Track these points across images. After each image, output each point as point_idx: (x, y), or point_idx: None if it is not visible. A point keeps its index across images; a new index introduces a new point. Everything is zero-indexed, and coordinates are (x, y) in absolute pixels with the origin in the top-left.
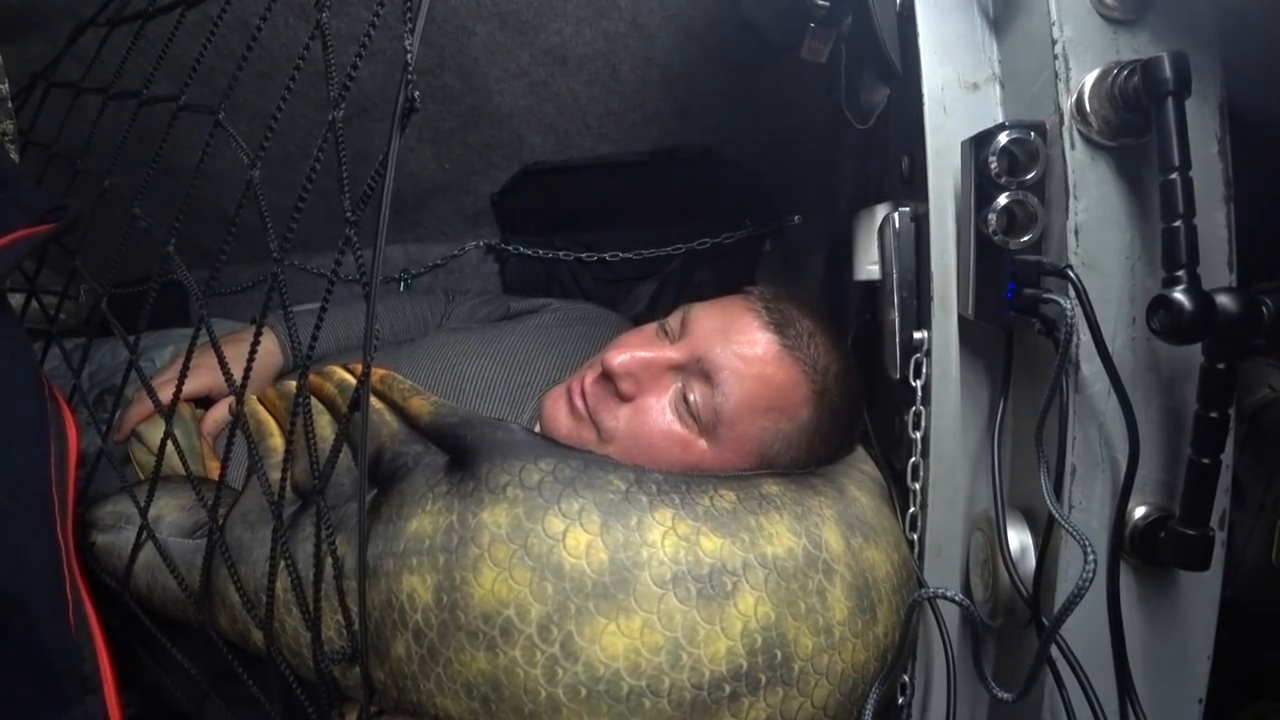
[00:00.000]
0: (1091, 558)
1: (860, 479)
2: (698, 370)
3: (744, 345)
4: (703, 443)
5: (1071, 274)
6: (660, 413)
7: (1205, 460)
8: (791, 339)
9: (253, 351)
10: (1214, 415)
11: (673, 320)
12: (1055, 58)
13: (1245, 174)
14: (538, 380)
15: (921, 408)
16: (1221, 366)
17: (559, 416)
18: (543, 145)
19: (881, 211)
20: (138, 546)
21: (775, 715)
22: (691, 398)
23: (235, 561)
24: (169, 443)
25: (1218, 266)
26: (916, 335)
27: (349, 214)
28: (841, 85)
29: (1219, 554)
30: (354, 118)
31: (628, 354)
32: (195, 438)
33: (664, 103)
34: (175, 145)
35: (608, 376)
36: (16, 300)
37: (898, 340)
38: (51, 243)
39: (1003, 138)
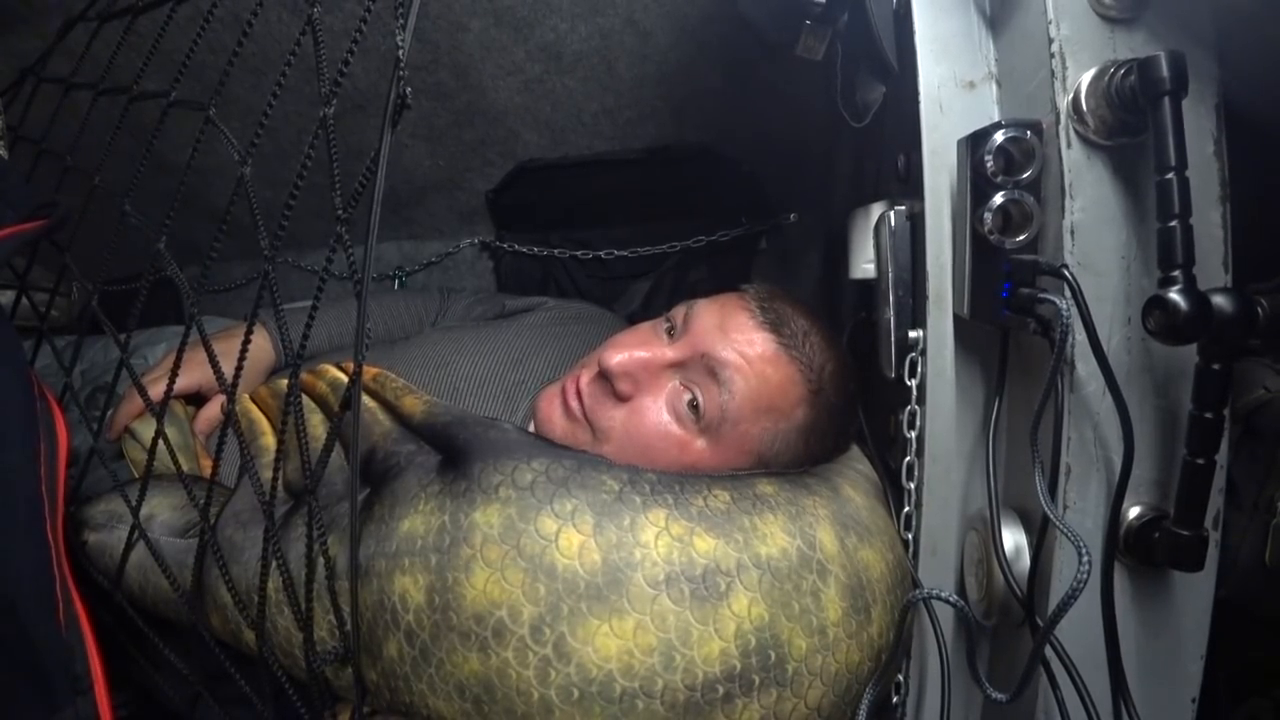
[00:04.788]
0: (1086, 558)
1: (855, 479)
2: (702, 368)
3: (743, 344)
4: (700, 442)
5: (1067, 273)
6: (657, 413)
7: (1200, 461)
8: (787, 338)
9: (243, 349)
10: (1209, 416)
11: (675, 315)
12: (1052, 56)
13: (1241, 174)
14: (532, 379)
15: (917, 407)
16: (1217, 367)
17: (554, 416)
18: (538, 142)
19: (877, 210)
20: (129, 546)
21: (769, 716)
22: (698, 396)
23: (227, 561)
24: (161, 440)
25: (1213, 267)
26: (912, 334)
27: (340, 211)
28: (837, 83)
29: (1213, 554)
30: (347, 114)
31: (625, 354)
32: (189, 435)
33: (659, 100)
34: (166, 141)
35: (604, 376)
36: (6, 297)
37: (893, 339)
38: (41, 240)
39: (999, 136)
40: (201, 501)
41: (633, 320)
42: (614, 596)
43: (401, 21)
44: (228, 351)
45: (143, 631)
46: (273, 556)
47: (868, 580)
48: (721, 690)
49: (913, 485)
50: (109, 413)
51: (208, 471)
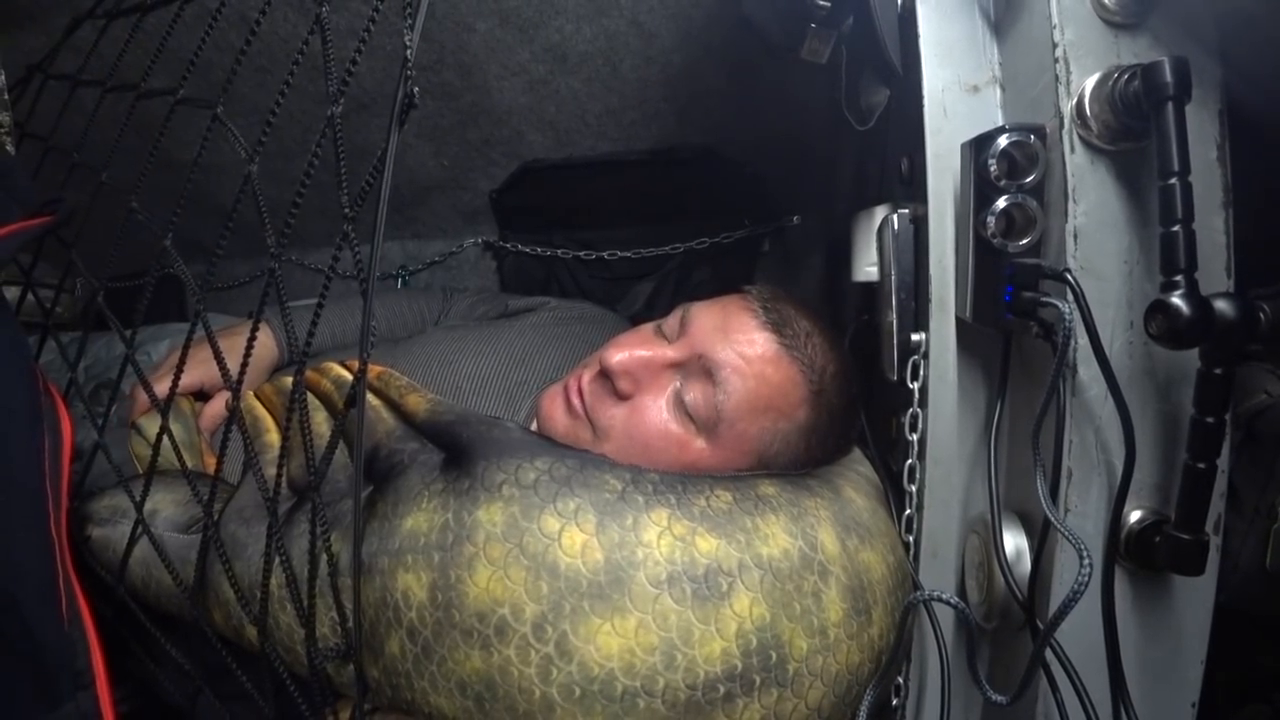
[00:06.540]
0: (1087, 562)
1: (856, 481)
2: (699, 368)
3: (743, 344)
4: (700, 442)
5: (1070, 278)
6: (658, 412)
7: (1201, 465)
8: (789, 339)
9: (249, 347)
10: (1210, 420)
11: (671, 319)
12: (1056, 61)
13: (1243, 178)
14: (534, 378)
15: (919, 410)
16: (1218, 372)
17: (556, 415)
18: (542, 143)
19: (880, 213)
20: (133, 541)
21: (769, 716)
22: (691, 396)
23: (230, 557)
24: (166, 436)
25: (1216, 272)
26: (914, 337)
27: (347, 210)
28: (842, 86)
29: (1214, 559)
30: (353, 113)
31: (626, 353)
32: (194, 432)
33: (664, 101)
34: (173, 139)
35: (605, 375)
36: (12, 293)
37: (895, 342)
38: (47, 236)
39: (1003, 140)
40: (205, 498)
41: (635, 321)
42: (616, 595)
43: (409, 22)
44: (232, 348)
45: (145, 627)
46: (276, 553)
47: (869, 582)
48: (722, 690)
49: (914, 488)
50: (113, 409)
51: (212, 467)
